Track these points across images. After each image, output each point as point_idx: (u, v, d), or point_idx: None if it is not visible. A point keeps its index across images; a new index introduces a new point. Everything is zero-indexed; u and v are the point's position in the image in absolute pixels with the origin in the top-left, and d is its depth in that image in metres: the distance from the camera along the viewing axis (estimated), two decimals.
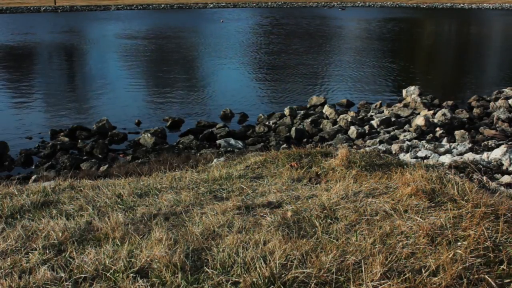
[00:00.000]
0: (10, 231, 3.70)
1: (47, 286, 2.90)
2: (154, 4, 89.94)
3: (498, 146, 9.80)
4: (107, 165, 11.03)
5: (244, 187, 4.56)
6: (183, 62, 28.84)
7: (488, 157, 7.77)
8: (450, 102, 16.33)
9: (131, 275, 2.95)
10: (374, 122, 14.38)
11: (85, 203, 4.31)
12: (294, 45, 36.15)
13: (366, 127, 13.94)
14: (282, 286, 2.79)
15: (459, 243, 3.17)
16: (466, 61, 30.87)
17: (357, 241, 3.29)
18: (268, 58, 29.99)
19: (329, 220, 3.66)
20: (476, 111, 15.69)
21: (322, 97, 17.53)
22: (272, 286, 2.79)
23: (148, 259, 3.11)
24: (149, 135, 13.39)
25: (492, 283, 2.76)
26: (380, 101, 17.41)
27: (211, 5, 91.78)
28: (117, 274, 2.98)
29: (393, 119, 14.76)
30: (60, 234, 3.55)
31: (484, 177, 4.99)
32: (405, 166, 5.00)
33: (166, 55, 31.59)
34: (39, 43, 38.45)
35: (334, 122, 14.81)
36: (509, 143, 10.75)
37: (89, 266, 3.07)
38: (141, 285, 2.86)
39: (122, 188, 4.72)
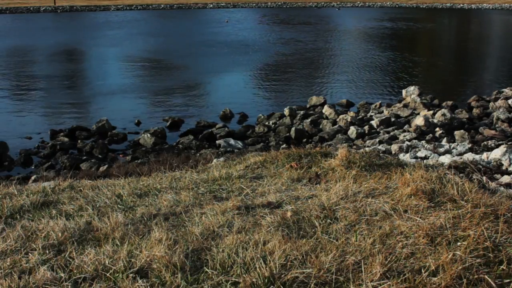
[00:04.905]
0: (10, 231, 3.69)
1: (46, 286, 2.90)
2: (154, 4, 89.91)
3: (497, 146, 9.80)
4: (106, 165, 11.03)
5: (244, 187, 4.55)
6: (183, 62, 28.83)
7: (487, 157, 7.77)
8: (449, 102, 16.33)
9: (131, 275, 2.95)
10: (374, 122, 14.38)
11: (84, 203, 4.31)
12: (293, 45, 36.16)
13: (366, 127, 13.94)
14: (282, 286, 2.79)
15: (458, 243, 3.16)
16: (465, 61, 30.89)
17: (356, 241, 3.29)
18: (267, 58, 29.98)
19: (328, 220, 3.66)
20: (475, 111, 15.69)
21: (322, 97, 17.54)
22: (272, 286, 2.79)
23: (148, 259, 3.10)
24: (148, 135, 13.40)
25: (492, 283, 2.76)
26: (379, 101, 17.42)
27: (211, 5, 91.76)
28: (117, 274, 2.98)
29: (392, 119, 14.77)
30: (60, 234, 3.55)
31: (484, 177, 4.99)
32: (405, 166, 4.99)
33: (166, 55, 31.59)
34: (39, 43, 38.44)
35: (334, 122, 14.82)
36: (508, 143, 10.75)
37: (89, 266, 3.07)
38: (141, 285, 2.86)
39: (122, 188, 4.72)
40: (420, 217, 3.58)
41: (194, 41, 38.84)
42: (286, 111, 15.70)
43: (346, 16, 69.48)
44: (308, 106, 17.17)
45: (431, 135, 12.92)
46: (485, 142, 11.51)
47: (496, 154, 7.67)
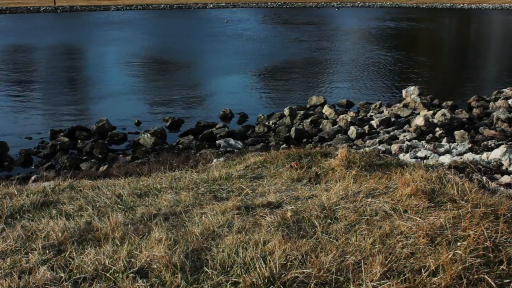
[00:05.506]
0: (10, 231, 3.69)
1: (46, 286, 2.90)
2: (154, 4, 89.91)
3: (497, 146, 9.80)
4: (106, 165, 11.03)
5: (244, 187, 4.55)
6: (183, 62, 28.84)
7: (487, 157, 7.77)
8: (449, 102, 16.33)
9: (131, 275, 2.95)
10: (374, 122, 14.38)
11: (84, 203, 4.31)
12: (293, 45, 36.15)
13: (366, 127, 13.94)
14: (282, 286, 2.79)
15: (458, 243, 3.16)
16: (466, 61, 30.88)
17: (356, 241, 3.29)
18: (267, 58, 29.97)
19: (328, 220, 3.66)
20: (475, 111, 15.69)
21: (322, 97, 17.54)
22: (272, 286, 2.79)
23: (148, 259, 3.10)
24: (148, 135, 13.39)
25: (492, 283, 2.76)
26: (379, 101, 17.42)
27: (211, 5, 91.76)
28: (117, 274, 2.98)
29: (392, 119, 14.77)
30: (60, 234, 3.55)
31: (484, 177, 4.99)
32: (405, 166, 4.99)
33: (166, 55, 31.58)
34: (39, 43, 38.43)
35: (334, 122, 14.81)
36: (508, 143, 10.75)
37: (89, 266, 3.07)
38: (141, 285, 2.86)
39: (122, 188, 4.72)
40: (420, 217, 3.58)
41: (194, 41, 38.82)
42: (286, 111, 15.70)
43: (347, 16, 69.48)
44: (308, 106, 17.17)
45: (431, 135, 12.92)
46: (485, 142, 11.51)
47: (496, 154, 7.67)
